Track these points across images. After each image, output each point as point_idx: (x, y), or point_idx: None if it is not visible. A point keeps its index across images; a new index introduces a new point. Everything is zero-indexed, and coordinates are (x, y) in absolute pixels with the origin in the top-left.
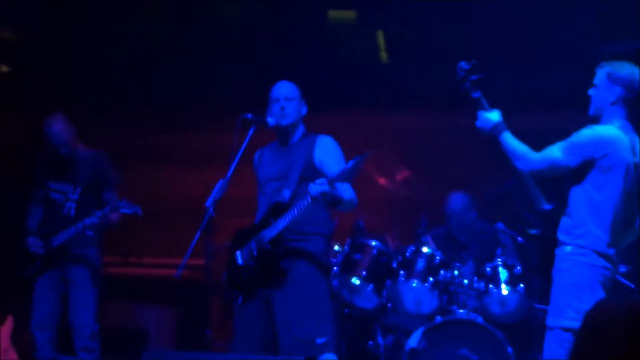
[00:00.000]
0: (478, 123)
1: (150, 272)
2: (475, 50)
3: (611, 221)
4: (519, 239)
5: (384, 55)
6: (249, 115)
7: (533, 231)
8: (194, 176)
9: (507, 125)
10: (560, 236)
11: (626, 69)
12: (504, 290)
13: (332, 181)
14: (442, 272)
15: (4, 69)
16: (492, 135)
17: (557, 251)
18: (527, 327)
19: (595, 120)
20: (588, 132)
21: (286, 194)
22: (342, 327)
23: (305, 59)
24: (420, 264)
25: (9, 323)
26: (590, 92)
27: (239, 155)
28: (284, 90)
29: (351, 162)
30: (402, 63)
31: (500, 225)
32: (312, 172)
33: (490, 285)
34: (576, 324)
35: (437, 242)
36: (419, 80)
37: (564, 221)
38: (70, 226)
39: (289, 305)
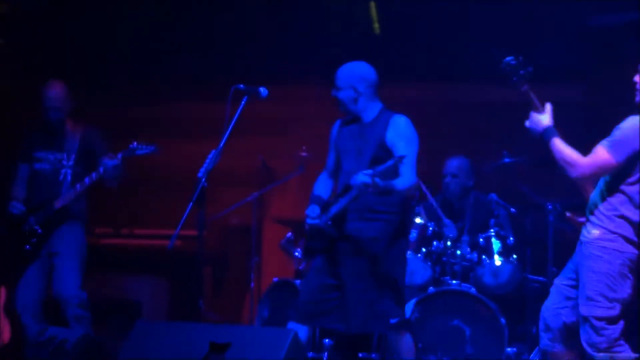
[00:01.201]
0: (529, 124)
1: (142, 243)
2: (467, 22)
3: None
4: (512, 210)
5: (376, 26)
6: (241, 85)
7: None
8: (186, 147)
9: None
10: (590, 215)
11: None
12: (497, 261)
13: (373, 175)
14: (434, 242)
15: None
16: (541, 138)
17: (584, 234)
18: (520, 298)
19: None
20: (628, 126)
21: None
22: None
23: (298, 30)
24: (413, 234)
25: (1, 294)
26: (635, 79)
27: (231, 126)
28: (336, 80)
29: (391, 161)
30: (395, 34)
31: (493, 196)
32: (384, 152)
33: (483, 256)
34: (610, 312)
35: (430, 212)
36: (412, 52)
37: (596, 201)
38: (71, 189)
39: (354, 279)
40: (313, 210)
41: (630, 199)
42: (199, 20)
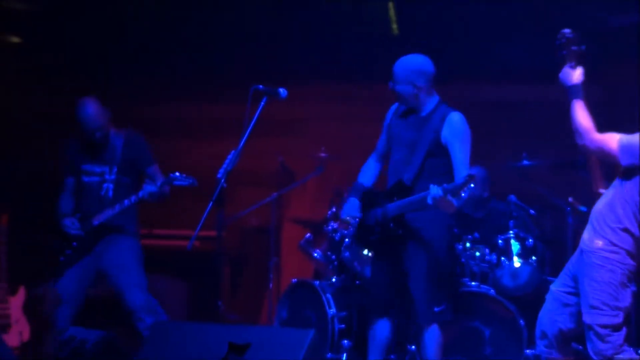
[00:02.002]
0: (561, 75)
1: (161, 244)
2: (484, 21)
3: None
4: (531, 211)
5: (395, 27)
6: (261, 86)
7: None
8: (206, 148)
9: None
10: (595, 223)
11: None
12: (516, 262)
13: (446, 191)
14: (454, 244)
15: (15, 39)
16: (567, 93)
17: (586, 242)
18: (539, 300)
19: None
20: None
21: (410, 172)
22: (354, 298)
23: (316, 30)
24: None
25: (20, 294)
26: None
27: (250, 127)
28: (394, 73)
29: (462, 179)
30: (413, 35)
31: (512, 198)
32: (439, 149)
33: (503, 258)
34: (614, 320)
35: None
36: (430, 51)
37: (602, 210)
38: (110, 207)
39: (416, 274)
40: (352, 207)
41: (634, 213)
42: (215, 19)
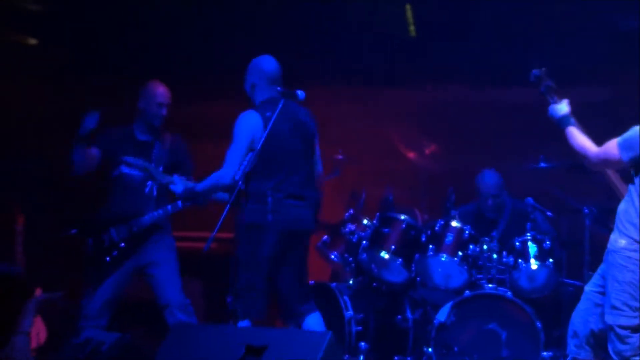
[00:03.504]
0: (549, 112)
1: (179, 245)
2: (499, 25)
3: None
4: (549, 213)
5: (412, 29)
6: (279, 88)
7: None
8: (224, 149)
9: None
10: (618, 223)
11: None
12: (533, 264)
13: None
14: (471, 246)
15: (32, 41)
16: (558, 125)
17: (612, 242)
18: (556, 302)
19: None
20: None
21: None
22: (371, 300)
23: (334, 32)
24: (449, 238)
25: (37, 294)
26: None
27: (268, 128)
28: None
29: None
30: (430, 37)
31: (530, 200)
32: None
33: (519, 260)
34: (634, 321)
35: (465, 220)
36: (447, 54)
37: (623, 209)
38: (156, 209)
39: None
40: None
41: None
42: (228, 19)
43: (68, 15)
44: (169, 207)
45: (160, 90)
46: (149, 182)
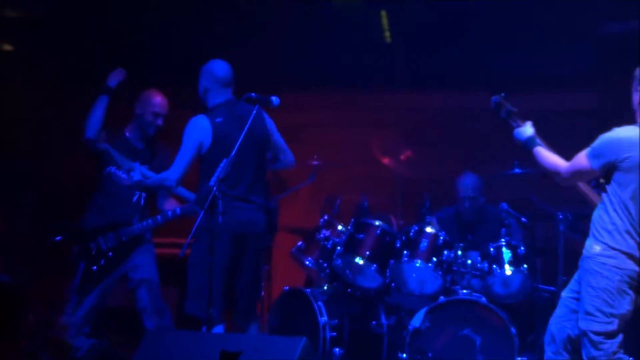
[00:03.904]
0: (515, 135)
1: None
2: (478, 31)
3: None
4: (523, 219)
5: (387, 35)
6: (253, 94)
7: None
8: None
9: (518, 106)
10: (593, 230)
11: None
12: (508, 270)
13: None
14: (445, 252)
15: (7, 47)
16: (524, 148)
17: (586, 248)
18: (530, 308)
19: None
20: (608, 136)
21: None
22: (346, 306)
23: (310, 38)
24: (424, 243)
25: None
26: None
27: (243, 134)
28: None
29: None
30: (405, 43)
31: (504, 206)
32: None
33: (494, 266)
34: (607, 327)
35: (443, 224)
36: (423, 60)
37: (598, 215)
38: (142, 218)
39: None
40: None
41: (627, 212)
42: (208, 24)
43: (46, 20)
44: (159, 217)
45: (158, 100)
46: (138, 191)
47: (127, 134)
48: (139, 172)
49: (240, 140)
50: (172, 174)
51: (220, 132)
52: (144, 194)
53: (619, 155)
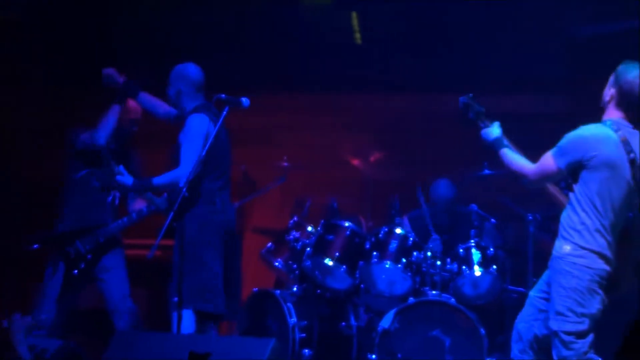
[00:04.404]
0: (482, 135)
1: None
2: (451, 33)
3: (610, 222)
4: (492, 220)
5: (358, 36)
6: (223, 95)
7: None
8: (166, 157)
9: (486, 108)
10: (562, 230)
11: (628, 74)
12: (477, 271)
13: None
14: (415, 253)
15: None
16: (491, 148)
17: (556, 248)
18: (499, 309)
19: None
20: (573, 135)
21: None
22: (315, 307)
23: (280, 39)
24: (393, 245)
25: None
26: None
27: (212, 136)
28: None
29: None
30: (376, 44)
31: (474, 207)
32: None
33: (463, 267)
34: (578, 327)
35: (415, 224)
36: (394, 62)
37: (567, 216)
38: (116, 218)
39: None
40: None
41: (595, 211)
42: (182, 27)
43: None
44: (134, 214)
45: (133, 106)
46: (113, 192)
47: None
48: (128, 175)
49: (210, 140)
50: (185, 171)
51: (218, 131)
52: (118, 195)
53: (585, 154)
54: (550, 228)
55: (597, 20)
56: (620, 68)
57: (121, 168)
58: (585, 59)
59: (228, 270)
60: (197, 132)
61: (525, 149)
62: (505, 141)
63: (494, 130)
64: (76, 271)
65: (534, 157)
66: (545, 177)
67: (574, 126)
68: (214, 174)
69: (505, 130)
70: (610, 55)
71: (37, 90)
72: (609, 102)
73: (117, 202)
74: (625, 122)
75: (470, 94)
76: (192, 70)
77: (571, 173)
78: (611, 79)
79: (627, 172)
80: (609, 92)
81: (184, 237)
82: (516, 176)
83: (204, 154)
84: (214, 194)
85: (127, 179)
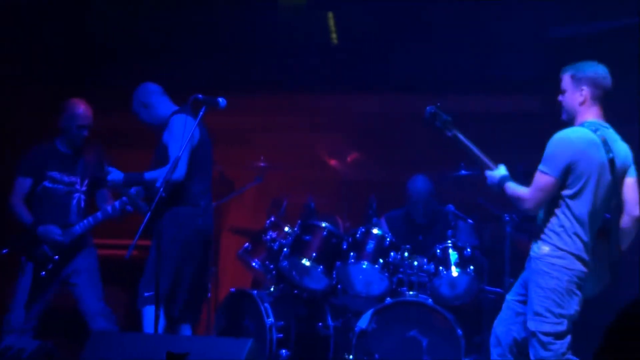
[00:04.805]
0: (487, 181)
1: (100, 253)
2: (429, 33)
3: (588, 224)
4: (470, 220)
5: (334, 37)
6: (200, 95)
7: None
8: (145, 157)
9: (464, 109)
10: (539, 231)
11: (589, 68)
12: (454, 272)
13: None
14: (392, 253)
15: None
16: (499, 188)
17: (534, 249)
18: (477, 309)
19: (570, 124)
20: (557, 141)
21: None
22: (292, 308)
23: (256, 40)
24: (370, 245)
25: None
26: (560, 98)
27: (189, 136)
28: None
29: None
30: (351, 45)
31: (451, 207)
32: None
33: (440, 267)
34: (557, 328)
35: (393, 224)
36: (370, 63)
37: (544, 218)
38: (86, 217)
39: None
40: None
41: (574, 214)
42: (161, 28)
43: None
44: (99, 214)
45: (80, 112)
46: (76, 195)
47: (57, 143)
48: (117, 171)
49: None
50: (180, 169)
51: (201, 134)
52: (83, 197)
53: (573, 157)
54: (527, 228)
55: (571, 21)
56: (584, 67)
57: (110, 168)
58: (559, 60)
59: (200, 274)
60: (183, 131)
61: (499, 148)
62: (508, 176)
63: (500, 171)
64: (44, 272)
65: (507, 156)
66: (544, 192)
67: (547, 126)
68: (197, 177)
69: (474, 128)
70: (584, 57)
71: (37, 90)
72: (582, 103)
73: (82, 204)
74: (600, 121)
75: (438, 103)
76: (143, 86)
77: (563, 179)
78: (573, 83)
79: (607, 173)
80: (579, 94)
81: (162, 235)
82: (516, 203)
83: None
84: (198, 197)
85: (116, 174)
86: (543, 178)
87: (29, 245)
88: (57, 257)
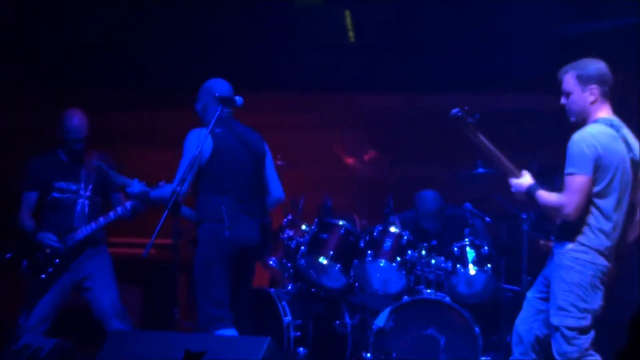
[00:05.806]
0: (512, 189)
1: (117, 252)
2: (441, 32)
3: (613, 222)
4: (487, 219)
5: (351, 35)
6: (216, 93)
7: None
8: (160, 155)
9: (472, 107)
10: (562, 232)
11: (592, 65)
12: (472, 270)
13: None
14: (409, 251)
15: None
16: (527, 197)
17: (557, 246)
18: (494, 307)
19: (581, 125)
20: (580, 140)
21: None
22: (309, 306)
23: (272, 38)
24: (388, 243)
25: None
26: (564, 101)
27: (207, 134)
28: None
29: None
30: (369, 43)
31: (468, 206)
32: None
33: (458, 265)
34: (581, 323)
35: (405, 226)
36: (387, 61)
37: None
38: (86, 224)
39: None
40: None
41: (600, 210)
42: (167, 26)
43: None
44: (101, 218)
45: (74, 124)
46: (80, 200)
47: (59, 152)
48: (136, 184)
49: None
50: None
51: (220, 143)
52: (87, 202)
53: (599, 152)
54: (544, 227)
55: (578, 20)
56: (587, 66)
57: (128, 180)
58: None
59: (240, 287)
60: (187, 148)
61: (507, 146)
62: (537, 185)
63: (526, 179)
64: (44, 275)
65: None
66: (580, 195)
67: (564, 124)
68: (217, 188)
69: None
70: (590, 55)
71: (37, 90)
72: (593, 102)
73: (86, 210)
74: (613, 117)
75: (466, 107)
76: (216, 85)
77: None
78: (579, 83)
79: (628, 169)
80: (589, 93)
81: (195, 255)
82: (553, 212)
83: (196, 168)
84: (220, 210)
85: (135, 187)
86: (576, 179)
87: (29, 250)
88: (57, 260)
